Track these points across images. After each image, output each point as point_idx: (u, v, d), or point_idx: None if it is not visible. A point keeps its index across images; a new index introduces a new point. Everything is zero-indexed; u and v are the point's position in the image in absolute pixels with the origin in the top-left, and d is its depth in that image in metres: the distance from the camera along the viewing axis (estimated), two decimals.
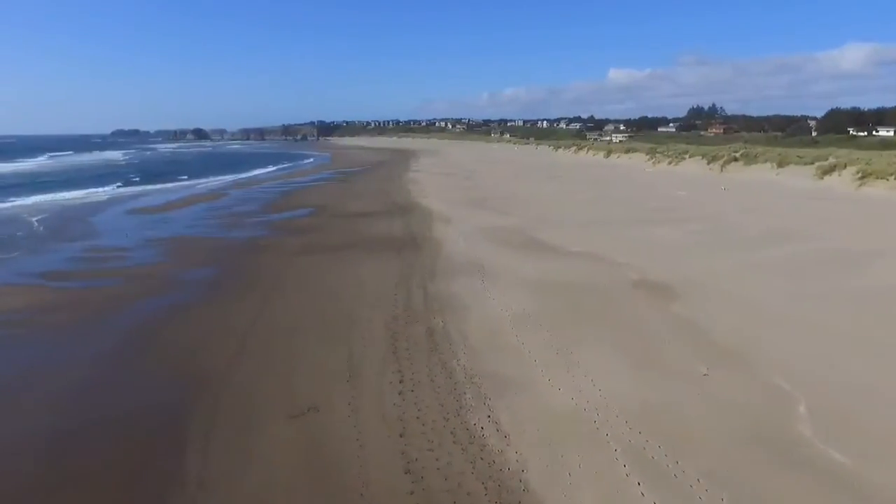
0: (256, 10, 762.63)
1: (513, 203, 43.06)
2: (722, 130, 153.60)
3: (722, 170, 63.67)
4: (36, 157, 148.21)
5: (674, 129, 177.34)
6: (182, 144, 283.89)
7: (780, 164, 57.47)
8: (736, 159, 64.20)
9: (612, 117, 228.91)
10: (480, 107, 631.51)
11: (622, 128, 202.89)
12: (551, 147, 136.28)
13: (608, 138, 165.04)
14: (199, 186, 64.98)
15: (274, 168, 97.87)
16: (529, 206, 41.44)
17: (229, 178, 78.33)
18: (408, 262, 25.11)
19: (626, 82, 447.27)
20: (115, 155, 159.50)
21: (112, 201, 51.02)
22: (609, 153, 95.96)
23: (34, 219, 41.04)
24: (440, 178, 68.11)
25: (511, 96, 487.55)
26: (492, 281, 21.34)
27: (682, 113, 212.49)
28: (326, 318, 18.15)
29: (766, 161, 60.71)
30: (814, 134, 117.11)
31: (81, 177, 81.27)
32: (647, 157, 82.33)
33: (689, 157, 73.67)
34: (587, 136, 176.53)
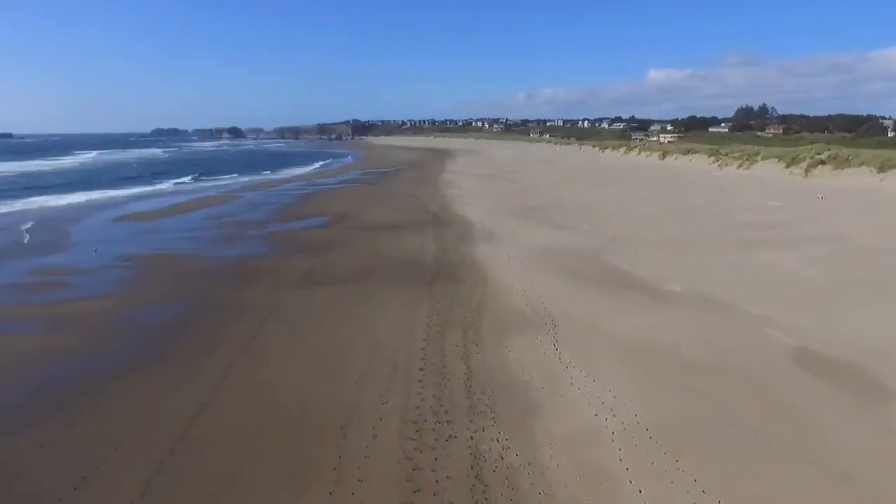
0: (293, 10, 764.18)
1: (571, 213, 35.57)
2: (781, 131, 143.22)
3: (807, 174, 54.94)
4: (74, 154, 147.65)
5: (726, 130, 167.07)
6: (217, 143, 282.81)
7: (882, 168, 48.63)
8: (823, 162, 55.40)
9: (653, 118, 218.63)
10: (517, 107, 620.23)
11: (669, 128, 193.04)
12: (596, 147, 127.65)
13: (655, 139, 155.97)
14: (214, 188, 59.08)
15: (301, 167, 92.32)
16: (592, 217, 33.91)
17: (250, 178, 72.61)
18: (442, 303, 17.96)
19: (666, 83, 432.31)
20: (156, 152, 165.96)
21: (125, 201, 45.16)
22: (664, 154, 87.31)
23: (24, 227, 35.17)
24: (480, 181, 60.84)
25: (548, 97, 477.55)
26: (570, 346, 14.05)
27: (727, 114, 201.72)
28: (307, 418, 11.12)
29: (860, 164, 51.87)
30: (891, 134, 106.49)
31: (126, 174, 77.46)
32: (711, 158, 73.68)
33: (762, 159, 64.97)
34: (632, 137, 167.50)
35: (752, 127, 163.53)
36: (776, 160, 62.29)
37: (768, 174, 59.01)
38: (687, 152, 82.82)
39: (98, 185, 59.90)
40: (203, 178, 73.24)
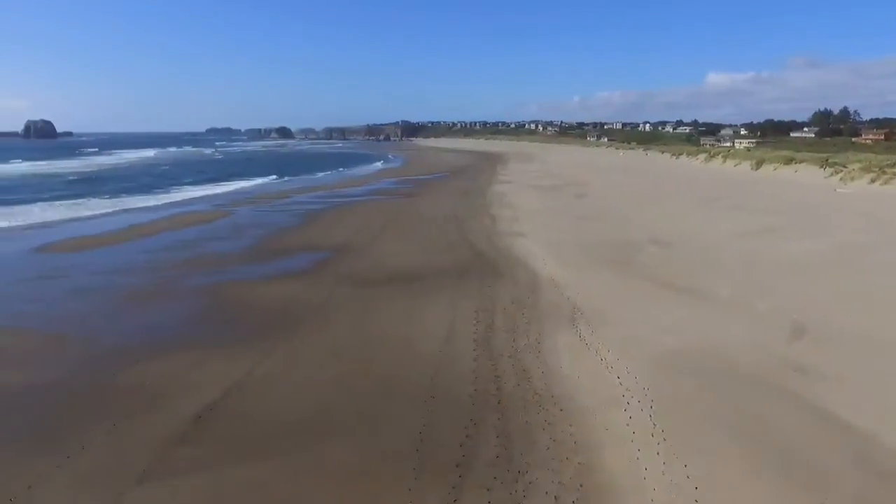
0: (346, 11, 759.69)
1: (686, 259, 23.20)
2: (883, 136, 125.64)
3: None
4: (112, 154, 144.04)
5: (812, 135, 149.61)
6: (264, 143, 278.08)
7: None
8: None
9: (713, 121, 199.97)
10: (571, 110, 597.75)
11: (743, 132, 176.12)
12: (666, 153, 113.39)
13: (728, 144, 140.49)
14: (209, 198, 48.79)
15: (331, 171, 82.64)
16: (721, 267, 21.50)
17: (263, 184, 62.53)
18: None
19: (726, 86, 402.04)
20: (208, 151, 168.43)
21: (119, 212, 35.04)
22: (759, 163, 72.90)
23: None
24: (539, 194, 48.57)
25: (603, 100, 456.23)
26: None
27: (795, 117, 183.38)
28: None
29: None
30: None
31: (138, 181, 68.24)
32: (827, 171, 59.44)
33: None
34: (701, 142, 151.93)
35: (841, 132, 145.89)
36: None
37: None
38: (789, 161, 68.50)
39: (91, 195, 50.55)
40: (213, 182, 63.63)
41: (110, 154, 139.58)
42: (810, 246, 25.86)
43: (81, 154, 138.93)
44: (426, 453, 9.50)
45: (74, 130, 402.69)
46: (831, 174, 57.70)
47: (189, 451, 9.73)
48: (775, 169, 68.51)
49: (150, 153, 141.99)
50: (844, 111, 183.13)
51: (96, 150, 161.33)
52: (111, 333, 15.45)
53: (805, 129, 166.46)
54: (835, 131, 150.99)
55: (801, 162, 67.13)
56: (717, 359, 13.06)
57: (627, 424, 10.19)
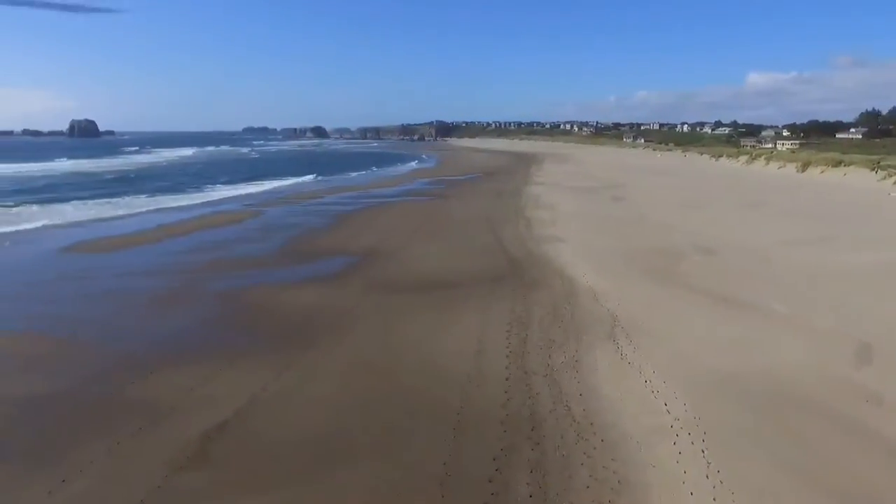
0: (380, 11, 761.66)
1: (733, 269, 21.78)
2: None
3: None
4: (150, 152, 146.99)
5: (860, 136, 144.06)
6: (299, 142, 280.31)
7: None
8: None
9: (753, 122, 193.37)
10: (607, 110, 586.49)
11: (786, 133, 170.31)
12: (705, 155, 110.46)
13: (770, 145, 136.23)
14: (240, 198, 48.63)
15: (365, 171, 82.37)
16: (771, 280, 20.09)
17: (297, 183, 62.34)
18: None
19: (767, 86, 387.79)
20: (244, 150, 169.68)
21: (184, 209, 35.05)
22: (804, 166, 70.13)
23: None
24: (576, 196, 47.20)
25: (641, 100, 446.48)
26: None
27: (841, 118, 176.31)
28: None
29: None
30: None
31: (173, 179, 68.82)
32: (880, 174, 56.69)
33: None
34: (741, 143, 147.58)
35: (891, 132, 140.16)
36: None
37: None
38: (838, 164, 65.61)
39: (127, 193, 51.12)
40: (248, 182, 63.73)
41: (149, 153, 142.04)
42: (871, 256, 24.14)
43: (122, 153, 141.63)
44: (451, 488, 8.56)
45: (116, 129, 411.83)
46: (884, 177, 54.94)
47: (193, 477, 8.96)
48: (822, 172, 65.69)
49: (187, 152, 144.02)
50: (893, 111, 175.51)
51: (136, 148, 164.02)
52: (124, 340, 14.87)
53: (852, 129, 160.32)
54: (884, 132, 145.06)
55: (850, 164, 64.23)
56: (776, 384, 11.83)
57: (678, 461, 9.09)
